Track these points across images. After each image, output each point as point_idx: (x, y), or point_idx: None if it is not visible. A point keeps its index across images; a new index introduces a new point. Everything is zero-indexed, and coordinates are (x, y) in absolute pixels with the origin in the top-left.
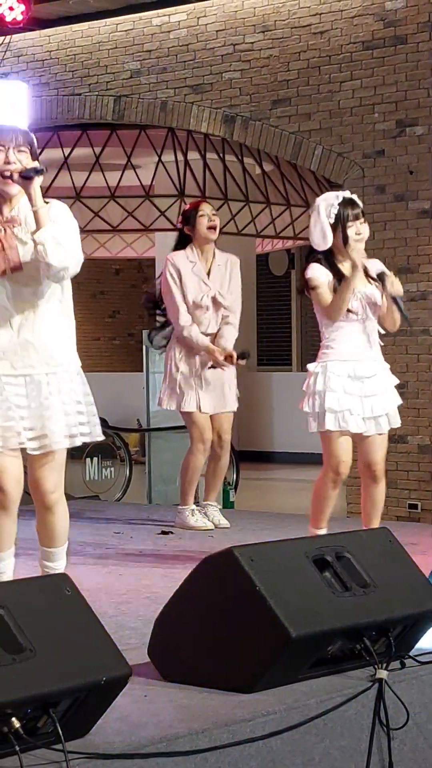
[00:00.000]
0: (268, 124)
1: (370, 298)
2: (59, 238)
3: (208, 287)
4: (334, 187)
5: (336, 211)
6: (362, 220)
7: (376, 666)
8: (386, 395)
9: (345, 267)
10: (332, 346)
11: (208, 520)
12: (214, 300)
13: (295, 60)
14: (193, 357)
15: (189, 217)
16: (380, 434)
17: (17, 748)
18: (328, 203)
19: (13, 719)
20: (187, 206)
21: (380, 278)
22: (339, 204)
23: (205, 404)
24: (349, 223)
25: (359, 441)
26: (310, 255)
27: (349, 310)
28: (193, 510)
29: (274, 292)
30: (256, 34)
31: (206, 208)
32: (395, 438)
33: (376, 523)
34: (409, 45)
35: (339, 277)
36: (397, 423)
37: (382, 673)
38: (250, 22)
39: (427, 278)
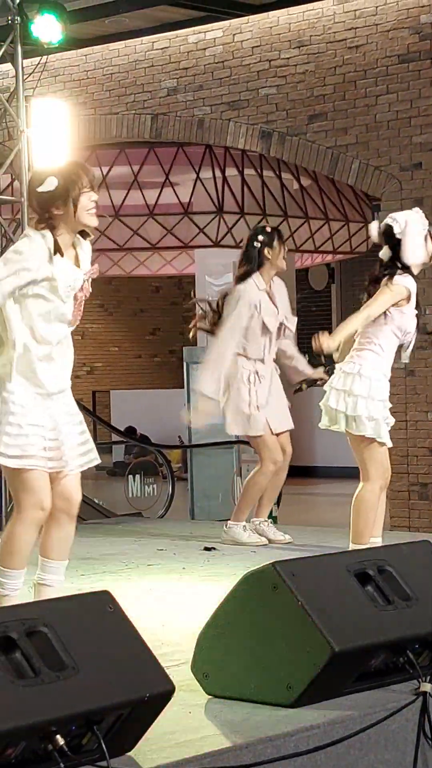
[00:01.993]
0: (304, 139)
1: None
2: None
3: (278, 313)
4: (373, 200)
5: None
6: None
7: (419, 679)
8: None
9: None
10: (378, 353)
11: (262, 535)
12: (282, 327)
13: (330, 75)
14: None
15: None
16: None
17: (62, 766)
18: (419, 220)
19: (58, 736)
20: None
21: None
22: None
23: (273, 424)
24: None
25: None
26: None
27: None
28: (245, 526)
29: (315, 307)
30: (292, 49)
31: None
32: None
33: (380, 530)
34: None
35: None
36: None
37: (426, 687)
38: (285, 38)
39: None
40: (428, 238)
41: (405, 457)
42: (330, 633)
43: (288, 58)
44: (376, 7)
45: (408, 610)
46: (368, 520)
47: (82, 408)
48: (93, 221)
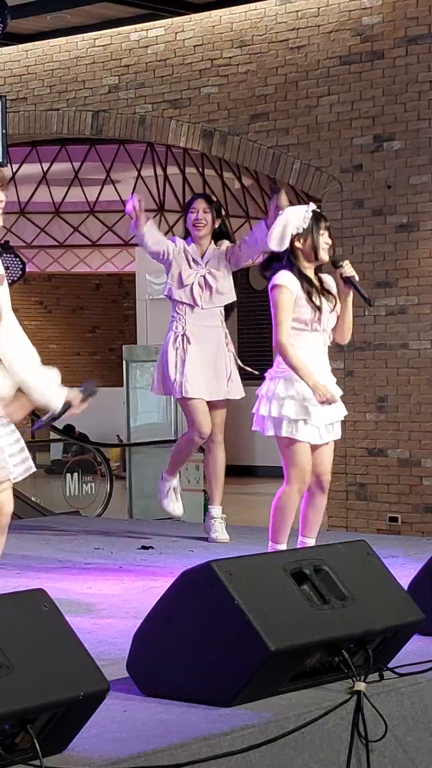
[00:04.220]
0: (246, 138)
1: (327, 311)
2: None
3: (201, 266)
4: (313, 201)
5: (308, 221)
6: (329, 233)
7: (354, 678)
8: (338, 405)
9: (310, 274)
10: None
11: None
12: (204, 279)
13: (272, 75)
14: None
15: (185, 209)
16: (329, 444)
17: None
18: (299, 212)
19: None
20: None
21: (335, 264)
22: (312, 214)
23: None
24: (322, 232)
25: (312, 451)
26: (272, 261)
27: (306, 322)
28: (174, 488)
29: (255, 307)
30: (234, 49)
31: (199, 204)
32: (375, 451)
33: (315, 532)
34: (386, 60)
35: (308, 284)
36: (338, 435)
37: (361, 686)
38: (227, 37)
39: (405, 292)
40: (318, 229)
41: (343, 458)
42: (266, 632)
43: (230, 58)
44: (318, 8)
45: (344, 609)
46: (279, 522)
47: None
48: None
